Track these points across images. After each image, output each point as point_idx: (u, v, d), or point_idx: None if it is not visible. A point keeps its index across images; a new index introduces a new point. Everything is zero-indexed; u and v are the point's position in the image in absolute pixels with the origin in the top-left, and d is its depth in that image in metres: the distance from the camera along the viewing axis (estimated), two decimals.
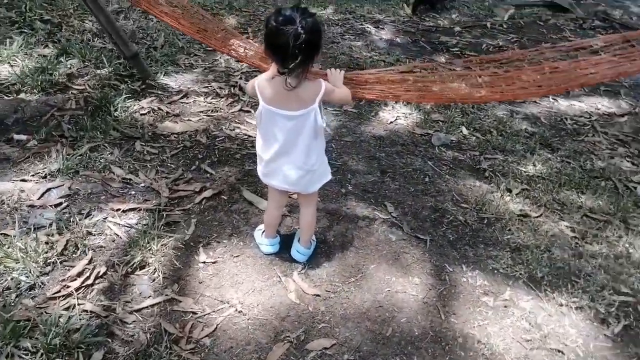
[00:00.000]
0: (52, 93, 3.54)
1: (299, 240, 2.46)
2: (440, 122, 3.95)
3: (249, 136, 3.44)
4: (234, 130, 3.50)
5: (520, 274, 2.54)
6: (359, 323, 2.20)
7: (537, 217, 2.96)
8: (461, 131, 3.87)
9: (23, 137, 3.08)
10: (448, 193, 3.11)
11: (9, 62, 3.73)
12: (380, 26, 5.82)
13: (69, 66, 3.88)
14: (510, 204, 3.04)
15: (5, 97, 3.40)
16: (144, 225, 2.52)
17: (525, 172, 3.42)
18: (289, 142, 2.04)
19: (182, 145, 3.24)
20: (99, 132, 3.14)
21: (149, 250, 2.38)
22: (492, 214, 2.93)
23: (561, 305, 2.39)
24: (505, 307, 2.36)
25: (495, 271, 2.54)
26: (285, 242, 2.54)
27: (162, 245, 2.42)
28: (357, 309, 2.26)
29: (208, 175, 2.99)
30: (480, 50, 5.53)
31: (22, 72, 3.62)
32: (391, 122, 3.87)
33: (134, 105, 3.53)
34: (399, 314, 2.26)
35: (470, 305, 2.35)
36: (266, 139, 2.09)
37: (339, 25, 5.68)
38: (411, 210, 2.90)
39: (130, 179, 2.84)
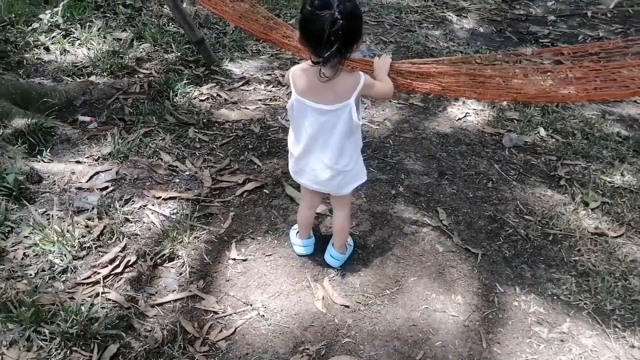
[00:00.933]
0: (120, 76, 3.60)
1: (333, 245, 2.28)
2: (515, 121, 3.55)
3: None
4: (289, 121, 3.35)
5: (585, 303, 2.18)
6: (387, 342, 1.99)
7: (615, 237, 2.55)
8: (538, 132, 3.45)
9: (87, 118, 3.15)
10: (512, 202, 2.76)
11: (86, 45, 3.85)
12: (463, 14, 5.39)
13: (140, 50, 3.94)
14: (584, 219, 2.64)
15: (77, 79, 3.51)
16: (181, 215, 2.47)
17: (609, 182, 2.97)
18: (320, 139, 1.86)
19: (234, 134, 3.16)
20: (154, 117, 3.14)
21: (180, 242, 2.31)
22: (560, 230, 2.56)
23: (633, 347, 2.01)
24: (562, 341, 2.03)
25: (555, 297, 2.21)
26: (323, 243, 2.37)
27: (194, 237, 2.35)
28: (387, 325, 2.05)
29: (255, 166, 2.88)
30: (575, 42, 4.94)
31: (95, 55, 3.72)
32: (459, 119, 3.54)
33: (194, 91, 3.50)
34: (434, 336, 2.02)
35: (519, 335, 2.05)
36: (296, 133, 1.93)
37: (417, 12, 5.34)
38: (465, 218, 2.61)
39: (176, 166, 2.80)
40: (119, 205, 2.47)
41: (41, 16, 3.84)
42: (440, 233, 2.50)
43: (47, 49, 3.74)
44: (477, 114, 3.62)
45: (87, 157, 2.80)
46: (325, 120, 1.81)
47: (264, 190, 2.69)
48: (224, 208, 2.56)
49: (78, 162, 2.76)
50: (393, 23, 5.04)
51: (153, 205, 2.52)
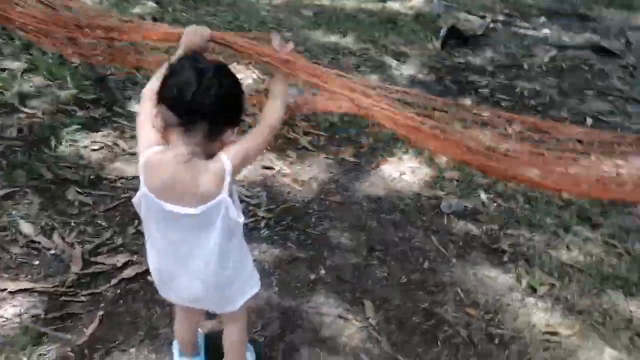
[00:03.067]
0: None
1: None
2: (455, 182, 3.14)
3: None
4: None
5: None
6: None
7: (569, 336, 2.12)
8: (479, 195, 3.04)
9: None
10: (450, 288, 2.29)
11: None
12: (402, 59, 5.03)
13: (30, 85, 3.25)
14: (533, 311, 2.20)
15: None
16: (31, 318, 1.80)
17: (556, 257, 2.57)
18: (188, 247, 1.31)
19: (127, 194, 2.53)
20: (24, 173, 2.46)
21: None
22: (508, 329, 2.10)
23: None
24: None
25: None
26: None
27: (39, 355, 1.69)
28: None
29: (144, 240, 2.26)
30: (513, 94, 4.69)
31: None
32: (394, 179, 3.08)
33: (86, 139, 2.85)
34: None
35: None
36: (153, 240, 1.37)
37: (355, 55, 4.93)
38: (397, 313, 2.10)
39: (38, 242, 2.13)
40: None
41: None
42: (367, 335, 1.97)
43: None
44: (414, 172, 3.17)
45: None
46: (192, 224, 1.26)
47: (148, 277, 2.07)
48: (92, 304, 1.92)
49: None
50: (328, 66, 4.58)
51: None
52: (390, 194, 2.92)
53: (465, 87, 4.64)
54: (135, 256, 2.15)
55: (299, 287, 2.14)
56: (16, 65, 3.47)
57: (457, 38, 5.53)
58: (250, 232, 2.41)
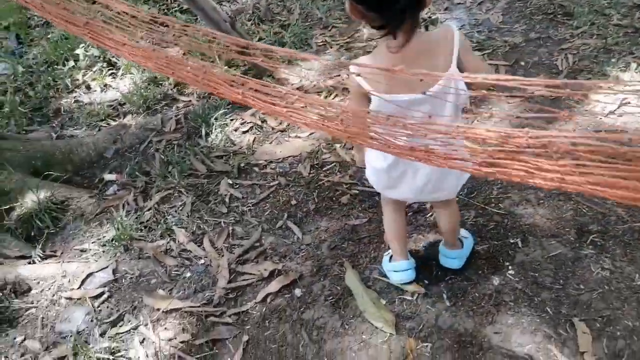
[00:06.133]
0: (158, 110, 2.86)
1: (444, 245, 1.64)
2: None
3: None
4: (352, 148, 2.31)
5: None
6: None
7: None
8: None
9: (112, 176, 2.49)
10: None
11: (128, 75, 3.17)
12: None
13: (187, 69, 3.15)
14: None
15: (113, 122, 2.86)
16: (180, 344, 1.65)
17: None
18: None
19: (276, 182, 2.23)
20: (176, 171, 2.33)
21: None
22: None
23: None
24: None
25: None
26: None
27: None
28: None
29: (292, 239, 1.93)
30: None
31: (133, 87, 3.02)
32: (610, 112, 2.15)
33: (235, 121, 2.62)
34: None
35: None
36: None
37: None
38: (632, 344, 1.37)
39: (190, 252, 1.98)
40: (99, 333, 1.73)
41: (77, 51, 3.24)
42: None
43: (88, 87, 3.15)
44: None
45: (94, 242, 2.12)
46: (424, 109, 1.15)
47: (296, 288, 1.74)
48: (237, 327, 1.68)
49: (83, 250, 2.10)
50: None
51: (146, 325, 1.74)
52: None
53: None
54: (282, 263, 1.83)
55: (478, 300, 1.56)
56: (174, 50, 3.40)
57: None
58: (416, 217, 1.89)
